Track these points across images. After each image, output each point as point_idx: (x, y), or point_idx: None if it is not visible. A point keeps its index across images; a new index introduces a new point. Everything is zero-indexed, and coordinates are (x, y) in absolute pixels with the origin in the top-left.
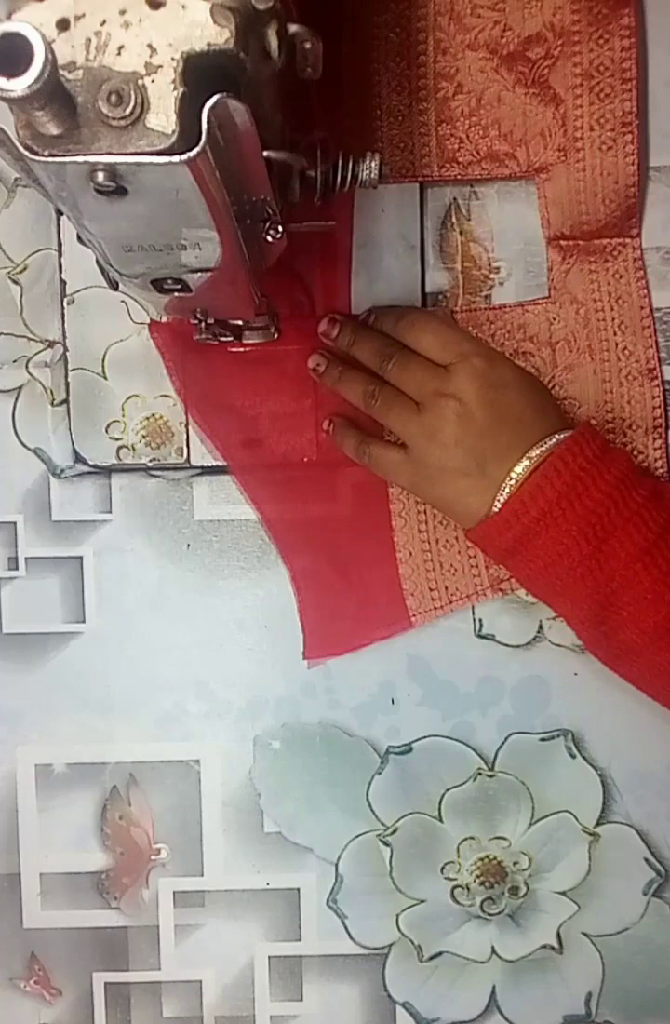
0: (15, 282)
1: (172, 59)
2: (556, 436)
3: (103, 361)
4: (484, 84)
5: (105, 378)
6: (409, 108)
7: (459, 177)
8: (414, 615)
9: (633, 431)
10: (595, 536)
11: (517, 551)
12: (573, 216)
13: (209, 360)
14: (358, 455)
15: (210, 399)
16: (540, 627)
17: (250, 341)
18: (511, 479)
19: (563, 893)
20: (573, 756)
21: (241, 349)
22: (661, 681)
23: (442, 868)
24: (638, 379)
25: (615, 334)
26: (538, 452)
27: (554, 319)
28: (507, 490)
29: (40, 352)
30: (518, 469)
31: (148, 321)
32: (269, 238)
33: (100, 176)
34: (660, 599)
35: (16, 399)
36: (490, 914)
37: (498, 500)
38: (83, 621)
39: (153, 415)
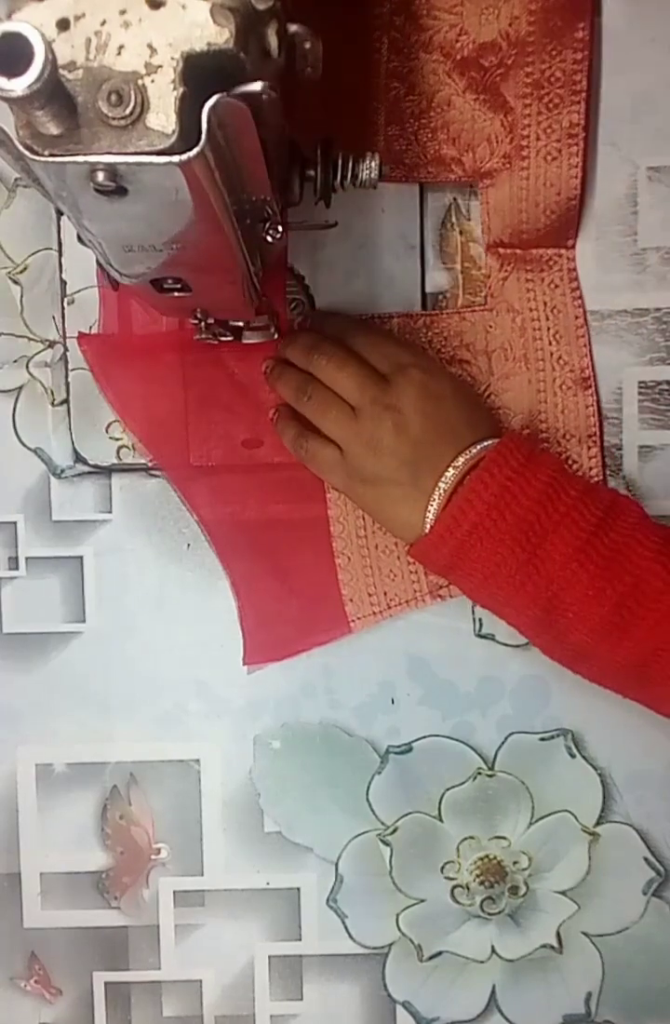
0: (15, 282)
1: (172, 59)
2: (483, 443)
3: None
4: (435, 87)
5: None
6: (362, 107)
7: (403, 179)
8: (353, 620)
9: (567, 440)
10: (529, 542)
11: (455, 566)
12: (513, 224)
13: (135, 366)
14: (295, 448)
15: (145, 404)
16: None
17: (250, 341)
18: (440, 488)
19: (563, 893)
20: (573, 756)
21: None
22: (618, 677)
23: (442, 868)
24: (572, 388)
25: (550, 343)
26: (463, 460)
27: (491, 327)
28: (437, 500)
29: (40, 352)
30: (446, 478)
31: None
32: (269, 238)
33: (100, 176)
34: (601, 595)
35: (16, 399)
36: (490, 914)
37: (429, 511)
38: (83, 621)
39: None
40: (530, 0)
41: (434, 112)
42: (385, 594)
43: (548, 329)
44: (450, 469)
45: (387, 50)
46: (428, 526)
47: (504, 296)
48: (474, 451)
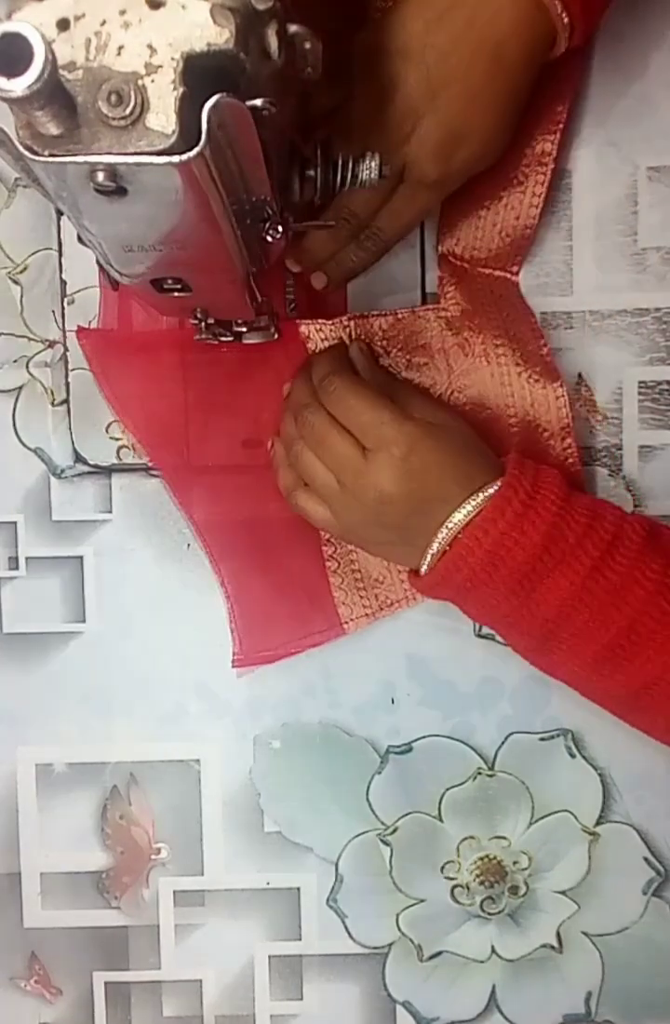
0: (15, 282)
1: (172, 59)
2: (478, 496)
3: None
4: None
5: None
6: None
7: None
8: (346, 622)
9: (541, 433)
10: (523, 590)
11: (456, 602)
12: (466, 240)
13: (134, 363)
14: (288, 498)
15: (145, 403)
16: None
17: (250, 341)
18: (434, 547)
19: (563, 892)
20: (573, 756)
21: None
22: (612, 704)
23: (442, 867)
24: (539, 381)
25: (510, 339)
26: (458, 518)
27: (446, 326)
28: (430, 556)
29: (40, 352)
30: (438, 539)
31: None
32: (269, 238)
33: (100, 176)
34: (595, 635)
35: (16, 399)
36: (490, 913)
37: (424, 563)
38: (83, 621)
39: None
40: None
41: None
42: (376, 596)
43: (505, 329)
44: (442, 530)
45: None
46: (425, 567)
47: (457, 297)
48: (468, 507)
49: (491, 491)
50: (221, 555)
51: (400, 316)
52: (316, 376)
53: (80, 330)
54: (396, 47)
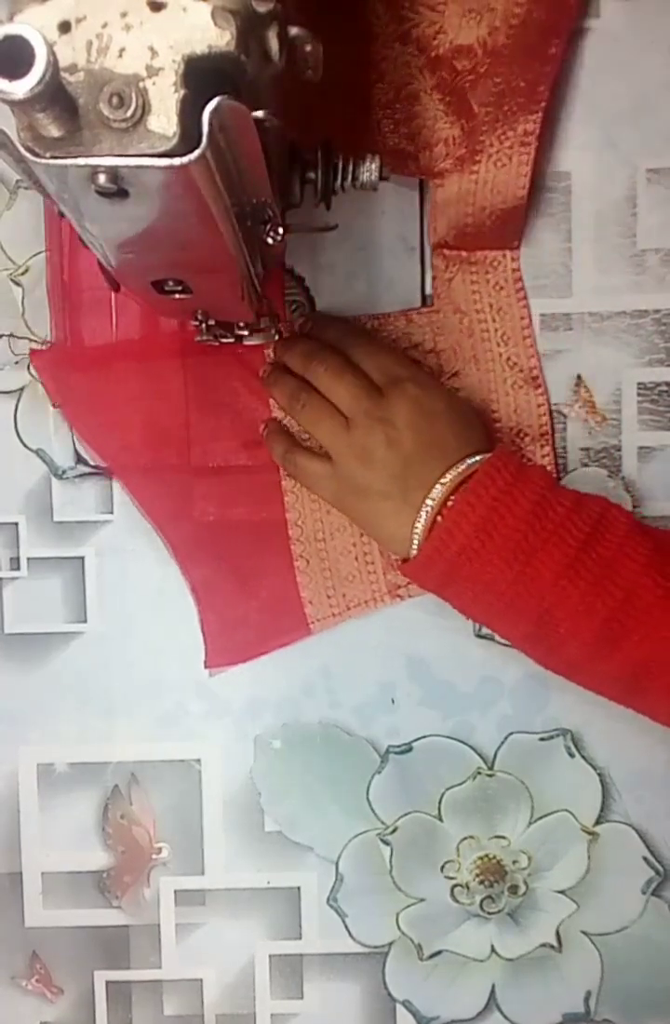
0: (17, 284)
1: (173, 61)
2: (471, 459)
3: None
4: (406, 79)
5: None
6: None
7: None
8: (313, 622)
9: (521, 439)
10: (517, 561)
11: (446, 585)
12: (458, 225)
13: (87, 376)
14: (284, 462)
15: (93, 410)
16: None
17: (251, 342)
18: (427, 505)
19: (562, 892)
20: (572, 755)
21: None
22: (612, 688)
23: (442, 867)
24: (523, 388)
25: (499, 345)
26: (451, 476)
27: (438, 328)
28: (423, 517)
29: None
30: (433, 495)
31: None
32: (270, 240)
33: (101, 178)
34: (591, 609)
35: (18, 400)
36: (490, 913)
37: (417, 525)
38: (84, 621)
39: None
40: (511, 14)
41: (400, 104)
42: (343, 595)
43: (495, 331)
44: (438, 485)
45: (365, 36)
46: (415, 540)
47: (450, 297)
48: (462, 467)
49: (481, 459)
50: (188, 559)
51: (392, 318)
52: (329, 334)
53: (33, 353)
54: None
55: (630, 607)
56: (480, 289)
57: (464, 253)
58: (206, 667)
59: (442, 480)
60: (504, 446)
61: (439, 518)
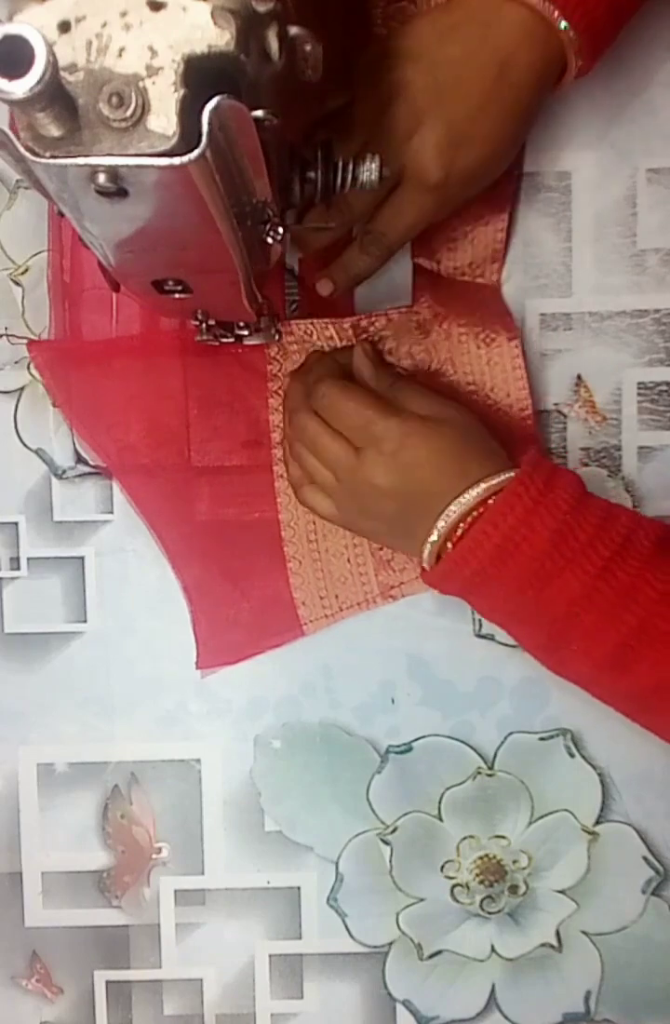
0: (17, 284)
1: (173, 61)
2: (478, 488)
3: None
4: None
5: None
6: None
7: None
8: (306, 623)
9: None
10: (532, 587)
11: (464, 597)
12: (439, 252)
13: (86, 372)
14: (295, 491)
15: (91, 407)
16: None
17: (251, 342)
18: (431, 539)
19: (562, 892)
20: (572, 755)
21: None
22: (620, 704)
23: (442, 867)
24: (504, 388)
25: (479, 348)
26: (456, 508)
27: (416, 329)
28: (428, 548)
29: None
30: (437, 530)
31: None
32: (270, 240)
33: (101, 178)
34: (605, 635)
35: (18, 400)
36: (490, 912)
37: (424, 551)
38: (84, 621)
39: None
40: None
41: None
42: (336, 597)
43: (477, 334)
44: (441, 519)
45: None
46: (426, 560)
47: (429, 300)
48: (465, 498)
49: (494, 482)
50: (182, 557)
51: (374, 317)
52: (309, 381)
53: (31, 344)
54: (406, 51)
55: (644, 635)
56: (458, 293)
57: (444, 275)
58: (198, 668)
59: (445, 516)
60: (531, 458)
61: (449, 546)
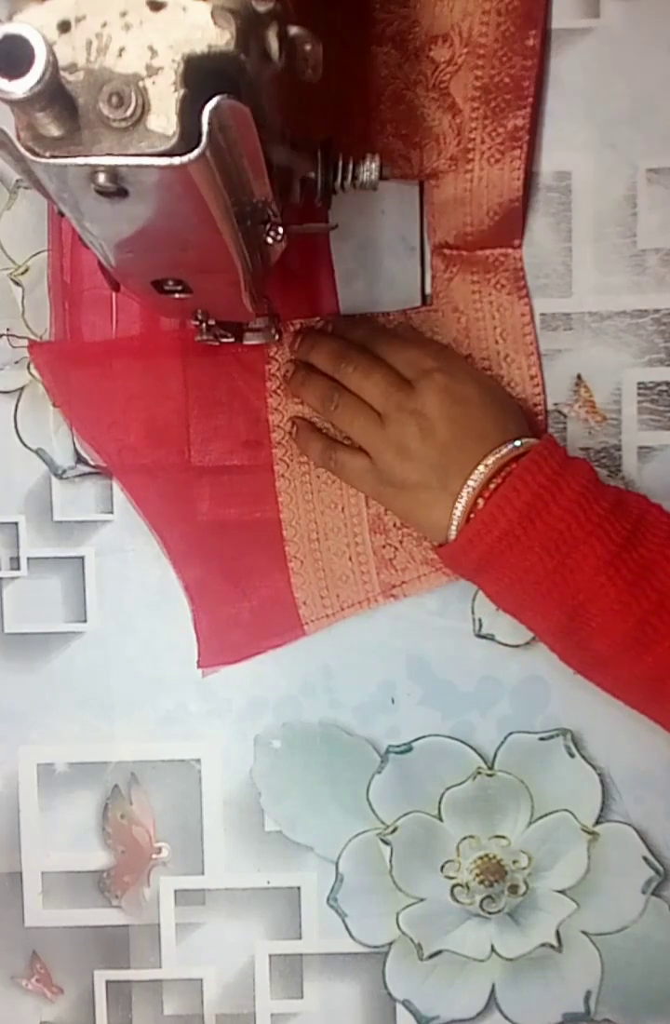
0: (17, 283)
1: (173, 61)
2: (513, 443)
3: None
4: (386, 81)
5: None
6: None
7: None
8: (307, 623)
9: None
10: (558, 551)
11: (483, 570)
12: (457, 226)
13: (86, 372)
14: (324, 460)
15: (91, 407)
16: None
17: (251, 342)
18: (468, 487)
19: (562, 892)
20: (572, 755)
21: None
22: (633, 690)
23: (442, 867)
24: (521, 385)
25: (497, 342)
26: (494, 459)
27: (436, 328)
28: (464, 499)
29: None
30: (474, 478)
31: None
32: (270, 240)
33: (101, 178)
34: (627, 609)
35: (18, 400)
36: (490, 912)
37: (456, 510)
38: (84, 621)
39: None
40: (484, 0)
41: (383, 105)
42: (338, 596)
43: (494, 328)
44: (478, 469)
45: (340, 49)
46: (455, 525)
47: (449, 296)
48: (503, 451)
49: (523, 444)
50: (183, 557)
51: (391, 317)
52: (356, 334)
53: (32, 345)
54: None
55: (665, 611)
56: (481, 288)
57: (465, 253)
58: (199, 667)
59: (484, 463)
60: (550, 436)
61: (480, 502)
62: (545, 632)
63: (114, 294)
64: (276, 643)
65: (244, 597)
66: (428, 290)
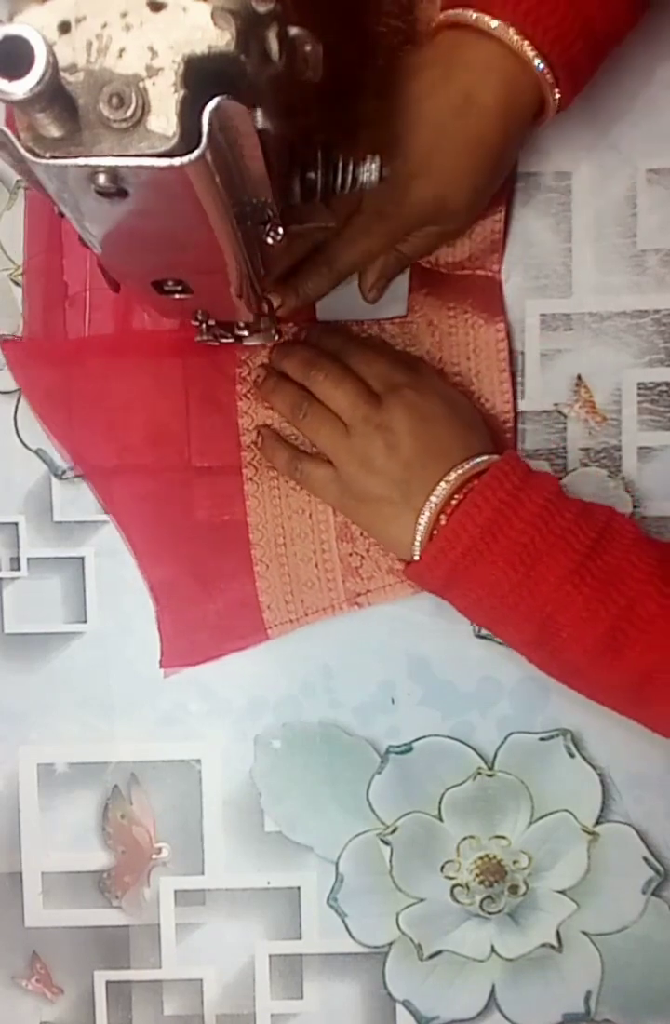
0: (17, 284)
1: (173, 62)
2: (475, 460)
3: None
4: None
5: None
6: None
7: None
8: (270, 627)
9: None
10: (522, 564)
11: (450, 586)
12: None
13: (58, 372)
14: (289, 470)
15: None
16: None
17: (251, 342)
18: (431, 503)
19: (562, 892)
20: (572, 755)
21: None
22: (614, 696)
23: (442, 867)
24: (491, 401)
25: (469, 358)
26: (455, 475)
27: (410, 339)
28: (427, 515)
29: None
30: (436, 494)
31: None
32: (269, 240)
33: (101, 178)
34: (595, 616)
35: (18, 400)
36: (490, 913)
37: (419, 525)
38: (84, 621)
39: None
40: None
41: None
42: (302, 602)
43: (467, 344)
44: (440, 485)
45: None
46: (418, 541)
47: (424, 310)
48: (465, 468)
49: (484, 460)
50: (148, 561)
51: (366, 326)
52: (330, 343)
53: (4, 343)
54: (379, 90)
55: (633, 616)
56: (456, 305)
57: (443, 270)
58: (161, 667)
59: (446, 479)
60: (512, 451)
61: (443, 519)
62: (519, 644)
63: (87, 292)
64: (239, 646)
65: (210, 599)
66: None
